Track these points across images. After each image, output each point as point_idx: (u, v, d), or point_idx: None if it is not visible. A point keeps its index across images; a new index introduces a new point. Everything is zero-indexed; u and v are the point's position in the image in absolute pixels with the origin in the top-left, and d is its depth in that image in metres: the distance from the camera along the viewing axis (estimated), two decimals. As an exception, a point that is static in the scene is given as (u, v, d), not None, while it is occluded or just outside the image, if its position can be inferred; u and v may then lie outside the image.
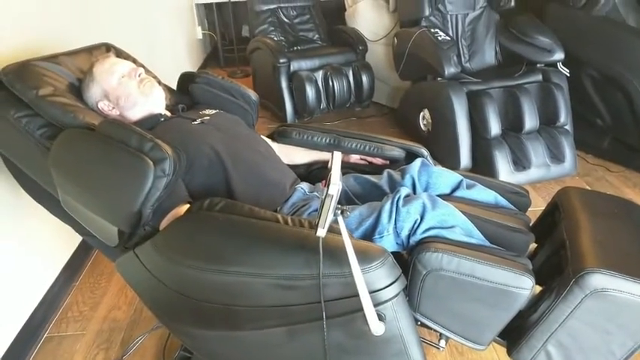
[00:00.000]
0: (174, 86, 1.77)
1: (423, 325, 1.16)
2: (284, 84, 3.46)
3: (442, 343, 1.26)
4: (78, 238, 2.05)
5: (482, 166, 2.65)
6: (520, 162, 2.57)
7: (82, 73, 1.45)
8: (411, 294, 1.11)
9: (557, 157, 2.61)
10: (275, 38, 3.79)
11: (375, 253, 1.00)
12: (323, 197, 0.91)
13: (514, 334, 1.14)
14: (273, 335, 1.12)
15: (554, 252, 1.21)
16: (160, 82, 1.62)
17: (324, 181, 1.06)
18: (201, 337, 1.24)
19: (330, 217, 0.91)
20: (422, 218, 1.14)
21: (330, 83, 3.44)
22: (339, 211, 0.96)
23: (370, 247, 1.03)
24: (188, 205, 1.19)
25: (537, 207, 2.35)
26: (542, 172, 2.58)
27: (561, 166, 2.60)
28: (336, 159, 1.00)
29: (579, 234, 1.13)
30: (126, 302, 1.88)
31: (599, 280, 0.98)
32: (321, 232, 0.92)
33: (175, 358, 1.52)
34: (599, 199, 1.29)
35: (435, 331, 1.18)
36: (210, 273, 1.09)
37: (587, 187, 2.60)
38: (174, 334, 1.40)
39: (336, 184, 0.90)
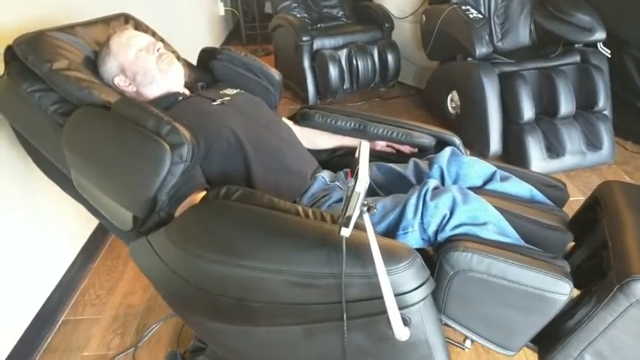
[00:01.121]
0: (194, 63, 1.69)
1: (447, 325, 1.09)
2: (306, 63, 3.36)
3: (467, 343, 1.17)
4: (96, 219, 2.03)
5: (513, 153, 2.53)
6: (554, 149, 2.44)
7: (99, 45, 1.38)
8: (436, 295, 1.03)
9: (593, 143, 2.47)
10: (298, 15, 3.68)
11: (402, 253, 0.93)
12: (348, 193, 0.84)
13: (547, 339, 1.06)
14: (290, 333, 1.06)
15: (594, 252, 1.11)
16: (179, 58, 1.55)
17: (349, 172, 0.98)
18: (214, 329, 1.19)
19: (356, 215, 0.84)
20: (451, 213, 1.05)
21: (354, 62, 3.33)
22: (366, 207, 0.88)
23: (397, 246, 0.95)
24: (204, 193, 1.12)
25: (572, 197, 2.23)
26: (577, 160, 2.45)
27: (598, 154, 2.47)
28: (363, 150, 0.91)
29: (624, 234, 1.03)
30: (142, 287, 1.85)
31: (647, 288, 0.89)
32: (346, 232, 0.85)
33: (190, 347, 1.48)
34: (646, 195, 1.18)
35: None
36: (225, 266, 1.03)
37: (626, 176, 2.46)
38: (187, 324, 1.35)
39: (363, 179, 0.82)
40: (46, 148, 1.27)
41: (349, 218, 0.84)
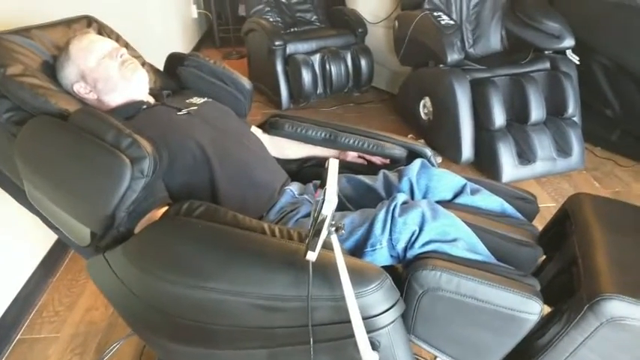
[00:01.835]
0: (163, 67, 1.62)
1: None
2: (279, 67, 3.32)
3: (438, 360, 1.15)
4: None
5: (485, 159, 2.53)
6: (525, 155, 2.45)
7: (58, 49, 1.30)
8: (405, 314, 0.99)
9: (564, 150, 2.48)
10: (271, 19, 3.63)
11: (371, 274, 0.89)
12: (315, 214, 0.79)
13: (518, 358, 1.03)
14: (254, 357, 1.01)
15: (564, 268, 1.09)
16: (144, 63, 1.48)
17: (317, 191, 0.94)
18: (175, 351, 1.13)
19: (323, 237, 0.79)
20: (420, 230, 1.02)
21: (328, 67, 3.30)
22: (334, 228, 0.84)
23: (366, 267, 0.91)
24: (166, 208, 1.07)
25: (543, 203, 2.24)
26: (548, 166, 2.47)
27: (568, 160, 2.48)
28: (332, 168, 0.87)
29: (593, 250, 1.01)
30: (104, 303, 1.78)
31: (617, 307, 0.87)
32: (312, 256, 0.80)
33: (152, 368, 1.42)
34: (615, 209, 1.17)
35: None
36: (186, 288, 0.98)
37: (595, 182, 2.49)
38: (147, 344, 1.30)
39: (331, 201, 0.78)
40: None
41: (316, 241, 0.79)
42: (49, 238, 1.96)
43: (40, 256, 1.89)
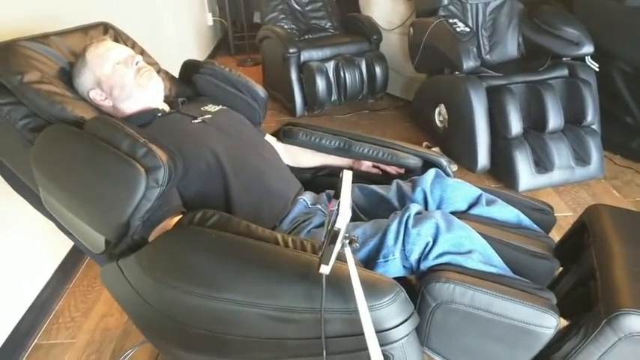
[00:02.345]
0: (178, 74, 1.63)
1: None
2: (294, 75, 3.32)
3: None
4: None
5: (501, 168, 2.50)
6: (542, 163, 2.41)
7: (75, 56, 1.32)
8: (418, 326, 0.98)
9: (582, 158, 2.44)
10: (285, 26, 3.64)
11: (386, 287, 0.88)
12: (328, 226, 0.79)
13: (534, 373, 1.01)
14: (265, 367, 1.01)
15: (581, 281, 1.07)
16: (159, 71, 1.49)
17: (331, 202, 0.93)
18: (186, 359, 1.14)
19: (337, 252, 0.79)
20: (434, 241, 1.01)
21: (342, 74, 3.30)
22: (347, 241, 0.83)
23: (380, 280, 0.91)
24: (179, 217, 1.07)
25: (561, 212, 2.21)
26: (565, 175, 2.42)
27: (587, 169, 2.44)
28: (345, 180, 0.87)
29: (612, 263, 0.99)
30: (118, 309, 1.78)
31: (636, 322, 0.86)
32: (325, 270, 0.80)
33: (165, 375, 1.42)
34: (635, 221, 1.15)
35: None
36: (198, 297, 0.98)
37: (615, 191, 2.44)
38: (161, 352, 1.30)
39: (345, 214, 0.78)
40: (13, 164, 1.20)
41: (329, 254, 0.79)
42: (67, 244, 1.98)
43: (58, 262, 1.91)
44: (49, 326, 1.74)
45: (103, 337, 1.68)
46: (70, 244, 1.98)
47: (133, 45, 1.51)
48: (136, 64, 1.29)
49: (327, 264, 0.79)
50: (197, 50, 4.51)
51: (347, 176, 0.88)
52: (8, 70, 1.12)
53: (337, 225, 0.77)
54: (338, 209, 0.78)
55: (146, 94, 1.30)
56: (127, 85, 1.26)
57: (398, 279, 0.94)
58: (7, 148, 1.19)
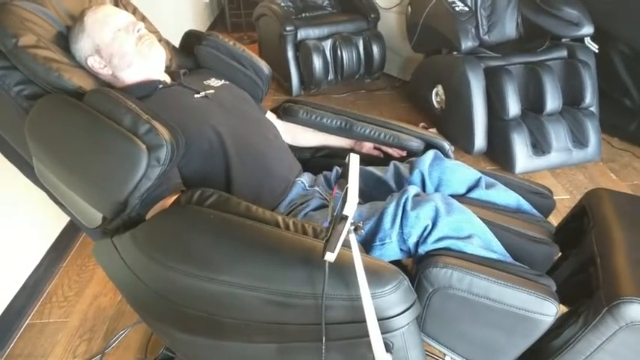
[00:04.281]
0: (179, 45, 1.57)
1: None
2: (290, 53, 3.28)
3: (447, 358, 1.13)
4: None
5: (498, 149, 2.48)
6: (540, 146, 2.40)
7: (73, 20, 1.24)
8: (415, 312, 0.97)
9: (580, 140, 2.43)
10: (282, 4, 3.56)
11: (389, 275, 0.86)
12: (333, 212, 0.76)
13: (531, 359, 1.01)
14: (262, 350, 0.99)
15: (581, 267, 1.06)
16: (160, 39, 1.43)
17: (335, 187, 0.90)
18: (182, 340, 1.12)
19: (342, 239, 0.77)
20: (434, 225, 0.99)
21: (339, 53, 3.25)
22: (353, 227, 0.81)
23: (384, 267, 0.88)
24: (177, 195, 1.03)
25: (557, 195, 2.20)
26: (563, 157, 2.41)
27: (584, 151, 2.43)
28: (353, 165, 0.84)
29: (613, 251, 0.97)
30: (112, 289, 1.78)
31: (638, 311, 0.84)
32: (330, 257, 0.77)
33: (159, 356, 1.41)
34: (636, 206, 1.13)
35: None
36: (195, 279, 0.95)
37: (612, 174, 2.43)
38: (155, 332, 1.28)
39: (353, 201, 0.75)
40: (5, 132, 1.14)
41: (335, 241, 0.76)
42: (59, 223, 1.96)
43: (50, 242, 1.89)
44: (42, 306, 1.73)
45: (97, 317, 1.67)
46: (63, 223, 1.96)
47: (134, 10, 1.44)
48: (138, 31, 1.22)
49: (333, 251, 0.76)
50: (193, 27, 4.40)
51: (354, 160, 0.85)
52: (2, 32, 1.04)
53: (345, 212, 0.74)
54: (346, 195, 0.76)
55: (147, 63, 1.23)
56: (127, 54, 1.20)
57: (393, 263, 0.92)
58: None
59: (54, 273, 1.87)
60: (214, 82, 1.34)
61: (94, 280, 1.84)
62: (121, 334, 1.57)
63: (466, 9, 2.57)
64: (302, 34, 3.26)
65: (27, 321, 1.67)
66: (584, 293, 0.97)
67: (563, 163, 2.43)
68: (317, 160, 1.51)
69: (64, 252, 1.97)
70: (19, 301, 1.67)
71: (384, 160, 1.41)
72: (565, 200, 2.21)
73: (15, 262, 1.68)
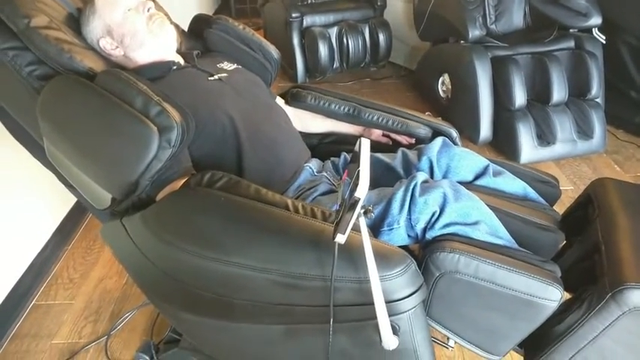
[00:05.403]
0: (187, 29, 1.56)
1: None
2: (296, 40, 3.27)
3: (451, 342, 1.14)
4: (73, 197, 1.95)
5: (503, 139, 2.49)
6: (545, 136, 2.40)
7: (83, 2, 1.25)
8: (421, 295, 0.98)
9: (585, 132, 2.43)
10: (288, -11, 3.54)
11: (397, 258, 0.87)
12: (345, 196, 0.77)
13: (535, 344, 1.02)
14: (270, 331, 1.01)
15: (586, 254, 1.07)
16: (170, 21, 1.41)
17: (346, 171, 0.91)
18: (189, 321, 1.13)
19: (353, 222, 0.77)
20: (442, 211, 0.99)
21: (345, 41, 3.24)
22: (363, 210, 0.82)
23: (392, 251, 0.89)
24: (187, 178, 1.03)
25: (561, 186, 2.19)
26: (567, 148, 2.42)
27: (589, 142, 2.43)
28: (364, 149, 0.84)
29: (618, 237, 0.98)
30: (118, 271, 1.79)
31: (641, 297, 0.85)
32: (341, 239, 0.78)
33: (164, 338, 1.43)
34: (641, 196, 1.14)
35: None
36: (205, 260, 0.96)
37: (616, 166, 2.43)
38: (162, 313, 1.30)
39: (364, 184, 0.75)
40: (16, 112, 1.15)
41: (346, 224, 0.77)
42: (66, 205, 1.97)
43: (56, 224, 1.91)
44: (47, 287, 1.75)
45: (102, 299, 1.68)
46: (69, 205, 1.97)
47: None
48: (148, 10, 1.22)
49: (344, 233, 0.77)
50: (198, 12, 4.40)
51: (365, 144, 0.85)
52: (15, 12, 1.04)
53: (357, 194, 0.75)
54: (357, 178, 0.76)
55: (158, 42, 1.23)
56: (138, 33, 1.20)
57: (400, 247, 0.93)
58: (10, 95, 1.13)
59: (59, 255, 1.89)
60: (227, 66, 1.34)
61: (100, 262, 1.85)
62: (127, 316, 1.59)
63: (474, -2, 2.56)
64: (308, 20, 3.25)
65: (33, 302, 1.69)
66: (588, 280, 0.98)
67: (568, 154, 2.44)
68: (324, 146, 1.52)
69: (70, 235, 1.99)
70: (26, 282, 1.69)
71: (392, 147, 1.41)
72: (569, 191, 2.21)
73: (21, 243, 1.69)
